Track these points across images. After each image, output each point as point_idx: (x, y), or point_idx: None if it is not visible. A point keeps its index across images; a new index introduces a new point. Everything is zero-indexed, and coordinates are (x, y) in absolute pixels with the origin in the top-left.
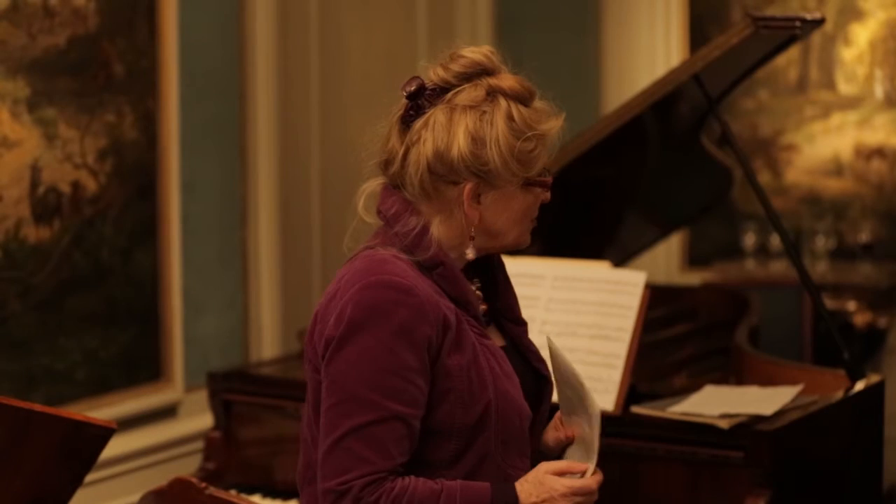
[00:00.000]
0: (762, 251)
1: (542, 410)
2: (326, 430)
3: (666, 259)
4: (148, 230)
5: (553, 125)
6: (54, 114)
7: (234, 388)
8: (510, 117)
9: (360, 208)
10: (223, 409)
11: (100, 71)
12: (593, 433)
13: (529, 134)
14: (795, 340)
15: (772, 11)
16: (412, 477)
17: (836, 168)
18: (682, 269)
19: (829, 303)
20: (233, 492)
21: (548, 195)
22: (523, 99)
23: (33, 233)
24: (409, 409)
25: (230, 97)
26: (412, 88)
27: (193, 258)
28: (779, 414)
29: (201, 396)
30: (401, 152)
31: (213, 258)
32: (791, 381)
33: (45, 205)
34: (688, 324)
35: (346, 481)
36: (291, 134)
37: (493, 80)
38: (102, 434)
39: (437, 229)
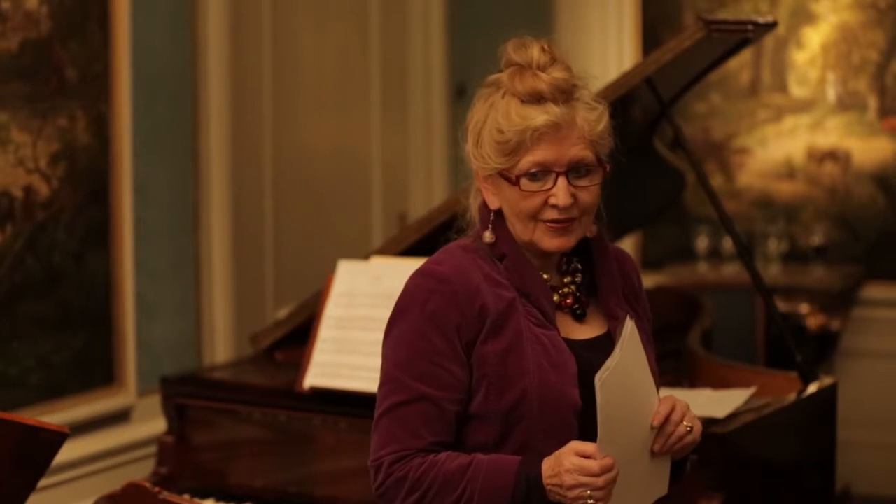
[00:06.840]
0: (715, 254)
1: None
2: (375, 409)
3: None
4: (100, 234)
5: (531, 122)
6: (6, 118)
7: (187, 393)
8: (492, 106)
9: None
10: (176, 413)
11: (52, 75)
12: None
13: (504, 125)
14: (748, 343)
15: (724, 15)
16: (448, 453)
17: (789, 171)
18: None
19: (782, 306)
20: (186, 496)
21: (557, 199)
22: (517, 94)
23: None
24: (438, 391)
25: (183, 101)
26: None
27: (146, 262)
28: (732, 416)
29: (154, 401)
30: None
31: (165, 262)
32: (744, 384)
33: None
34: None
35: (380, 457)
36: (244, 137)
37: (504, 73)
38: (55, 439)
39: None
